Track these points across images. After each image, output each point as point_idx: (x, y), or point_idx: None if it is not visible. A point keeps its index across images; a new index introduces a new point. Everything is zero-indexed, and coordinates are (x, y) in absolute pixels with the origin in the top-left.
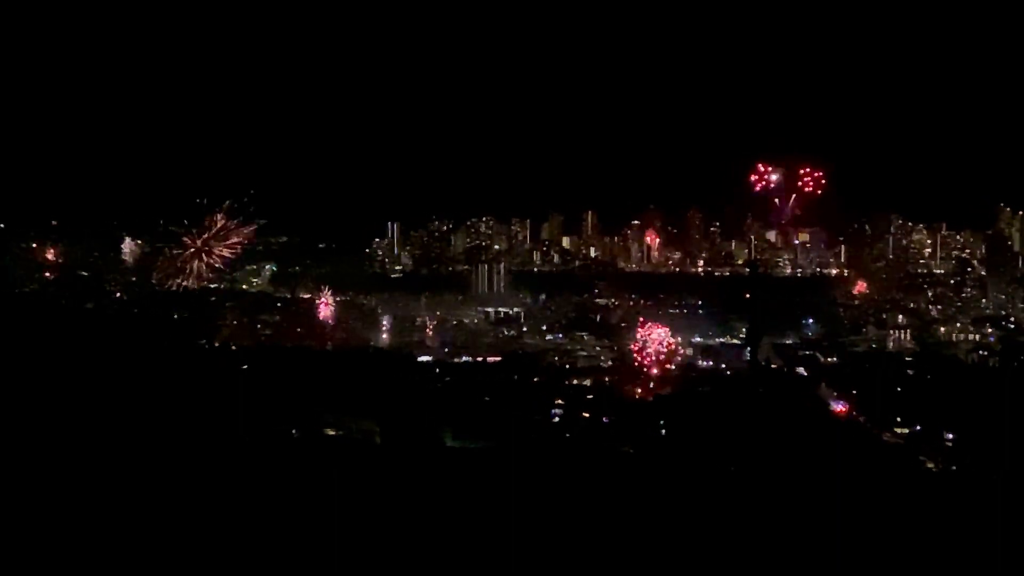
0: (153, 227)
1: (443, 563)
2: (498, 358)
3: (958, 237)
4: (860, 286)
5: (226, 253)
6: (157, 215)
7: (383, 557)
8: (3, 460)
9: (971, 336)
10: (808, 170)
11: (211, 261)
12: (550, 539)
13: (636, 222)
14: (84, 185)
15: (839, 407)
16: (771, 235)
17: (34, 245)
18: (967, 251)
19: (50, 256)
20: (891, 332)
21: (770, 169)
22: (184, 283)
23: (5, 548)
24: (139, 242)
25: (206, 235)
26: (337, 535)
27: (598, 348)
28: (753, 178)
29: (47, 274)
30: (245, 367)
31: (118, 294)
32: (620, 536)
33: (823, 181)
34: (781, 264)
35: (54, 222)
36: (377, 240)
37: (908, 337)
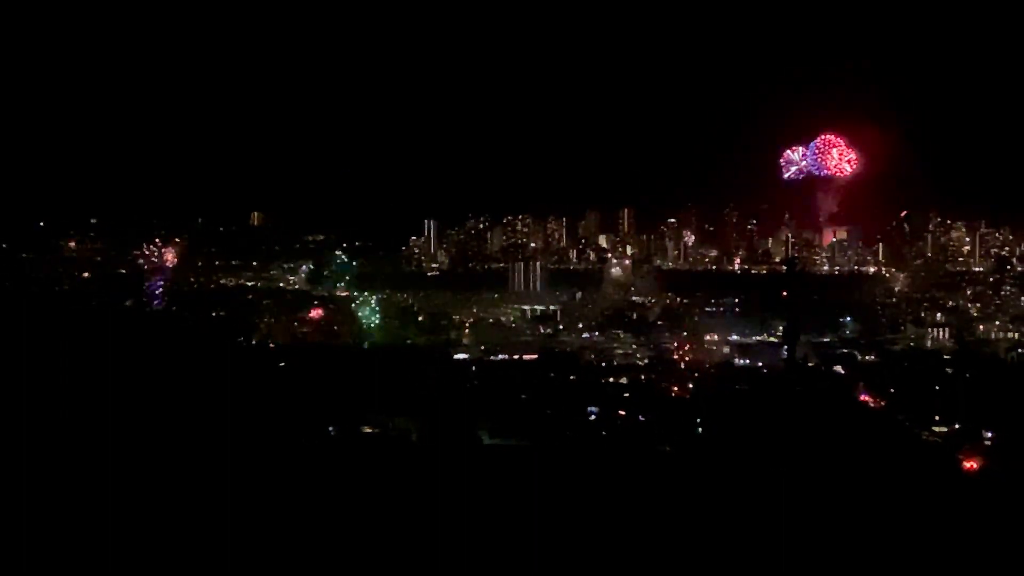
0: (192, 225)
1: (479, 560)
2: (534, 356)
3: (997, 235)
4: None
5: None
6: (196, 213)
7: (418, 553)
8: (53, 457)
9: (1010, 334)
10: (847, 164)
11: None
12: (586, 537)
13: (673, 220)
14: (123, 183)
15: (866, 398)
16: (808, 233)
17: (72, 243)
18: (1006, 249)
19: (88, 254)
20: (929, 330)
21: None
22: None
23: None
24: (178, 240)
25: None
26: (373, 532)
27: (634, 346)
28: (786, 166)
29: (85, 272)
30: (282, 365)
31: (156, 292)
32: (657, 534)
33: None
34: (819, 262)
35: (93, 220)
36: (414, 238)
37: (947, 335)
